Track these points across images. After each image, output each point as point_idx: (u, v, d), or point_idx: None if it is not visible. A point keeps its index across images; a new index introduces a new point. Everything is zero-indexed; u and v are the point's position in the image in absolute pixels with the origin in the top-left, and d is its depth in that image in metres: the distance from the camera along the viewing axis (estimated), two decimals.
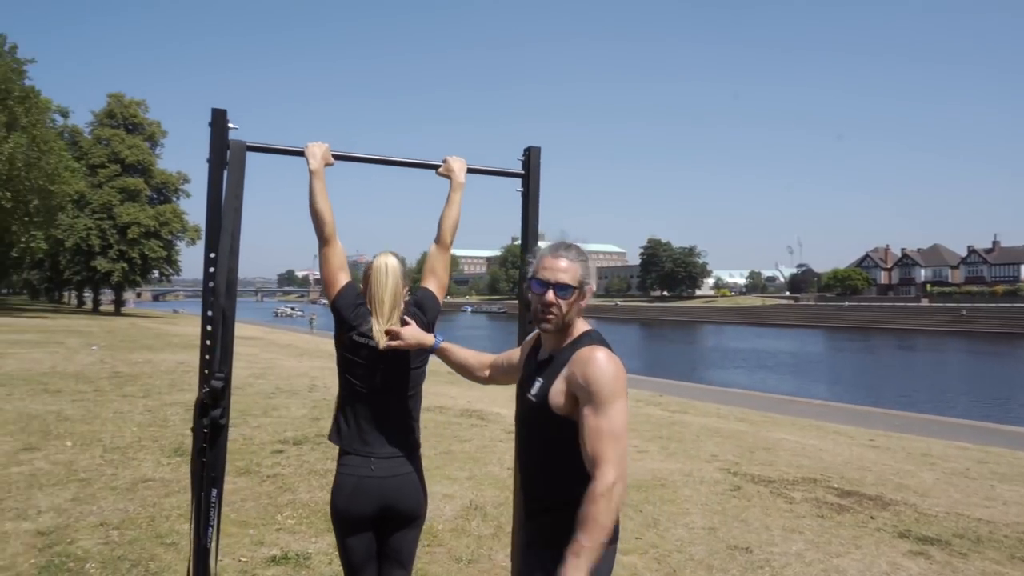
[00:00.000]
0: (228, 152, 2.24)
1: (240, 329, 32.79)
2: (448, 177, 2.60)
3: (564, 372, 1.82)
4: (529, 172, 2.64)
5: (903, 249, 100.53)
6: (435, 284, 2.51)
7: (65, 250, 44.57)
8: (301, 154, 2.39)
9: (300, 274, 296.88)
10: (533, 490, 1.94)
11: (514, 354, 2.22)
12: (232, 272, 2.14)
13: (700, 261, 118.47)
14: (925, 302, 77.42)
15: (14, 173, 29.24)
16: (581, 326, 1.91)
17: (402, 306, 2.37)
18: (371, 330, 2.29)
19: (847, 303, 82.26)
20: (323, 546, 4.08)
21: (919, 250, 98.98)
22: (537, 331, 1.99)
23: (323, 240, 2.36)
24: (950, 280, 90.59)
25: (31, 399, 8.90)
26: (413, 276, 2.48)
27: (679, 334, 61.10)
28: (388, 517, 2.30)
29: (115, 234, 45.03)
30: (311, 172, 2.36)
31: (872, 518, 5.15)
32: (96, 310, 51.78)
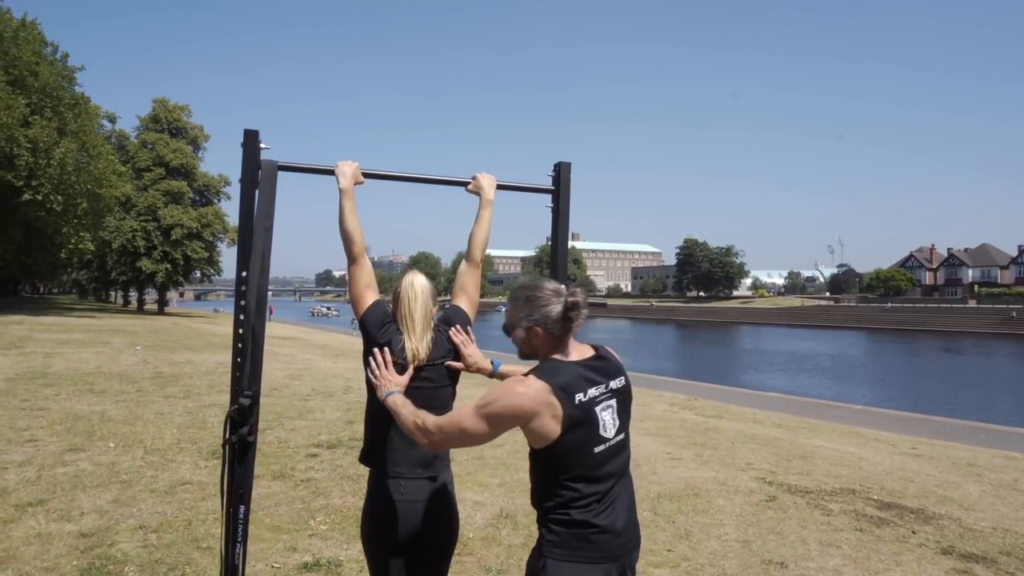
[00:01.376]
0: (259, 172, 2.26)
1: (278, 329, 33.43)
2: (477, 194, 2.59)
3: None
4: (559, 188, 2.62)
5: (949, 249, 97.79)
6: (466, 302, 2.51)
7: (112, 251, 45.98)
8: (331, 173, 2.41)
9: (337, 274, 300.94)
10: None
11: None
12: (262, 290, 2.17)
13: (738, 261, 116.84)
14: (972, 303, 75.14)
15: (64, 177, 30.23)
16: (550, 356, 1.98)
17: (432, 324, 2.38)
18: (401, 349, 2.29)
19: (889, 304, 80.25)
20: (354, 553, 4.12)
21: (966, 250, 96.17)
22: None
23: (351, 258, 2.37)
24: (999, 281, 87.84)
25: (77, 399, 9.17)
26: (441, 288, 2.50)
27: (715, 335, 60.34)
28: (420, 542, 2.30)
29: (159, 235, 46.27)
30: (341, 191, 2.38)
31: (913, 532, 5.00)
32: (141, 309, 53.26)
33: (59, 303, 56.87)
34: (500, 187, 2.60)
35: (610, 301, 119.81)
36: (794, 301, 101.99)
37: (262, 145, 2.29)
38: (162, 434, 7.20)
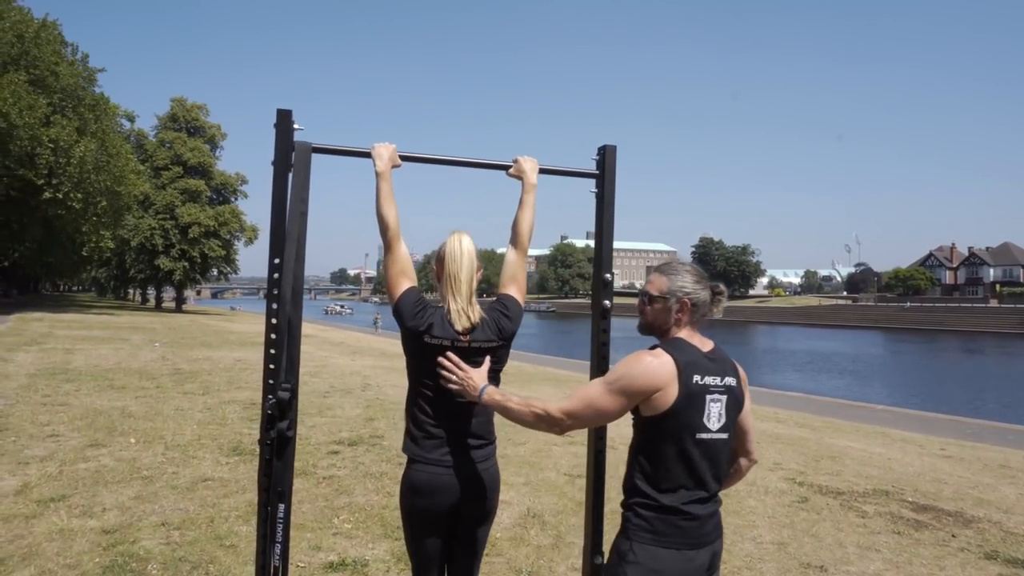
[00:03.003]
0: (293, 154, 2.16)
1: None
2: (519, 179, 2.47)
3: None
4: (604, 172, 2.49)
5: (970, 247, 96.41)
6: (516, 290, 2.39)
7: (130, 249, 46.36)
8: (367, 155, 2.30)
9: (352, 272, 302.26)
10: None
11: None
12: (298, 280, 2.07)
13: (754, 260, 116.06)
14: (994, 303, 74.05)
15: (84, 176, 30.49)
16: (675, 335, 1.99)
17: (476, 288, 2.29)
18: (443, 329, 2.19)
19: (909, 304, 79.26)
20: (380, 553, 4.03)
21: (988, 249, 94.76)
22: None
23: (387, 244, 2.27)
24: (1021, 280, 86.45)
25: (97, 395, 9.17)
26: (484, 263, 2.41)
27: (731, 334, 59.84)
28: (463, 511, 2.23)
29: (177, 234, 46.59)
30: (377, 174, 2.27)
31: (953, 536, 4.84)
32: (159, 307, 53.64)
33: (78, 300, 57.43)
34: (542, 171, 2.48)
35: (621, 300, 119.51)
36: (811, 300, 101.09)
37: (295, 126, 2.19)
38: (182, 430, 7.16)
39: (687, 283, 1.97)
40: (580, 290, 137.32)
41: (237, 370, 12.95)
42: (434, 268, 2.34)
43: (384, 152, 2.31)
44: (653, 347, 1.96)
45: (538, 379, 15.10)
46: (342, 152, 2.32)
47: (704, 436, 1.89)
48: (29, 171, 28.54)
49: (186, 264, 47.64)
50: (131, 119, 46.04)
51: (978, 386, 25.67)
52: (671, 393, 1.85)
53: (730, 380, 1.96)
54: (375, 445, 6.79)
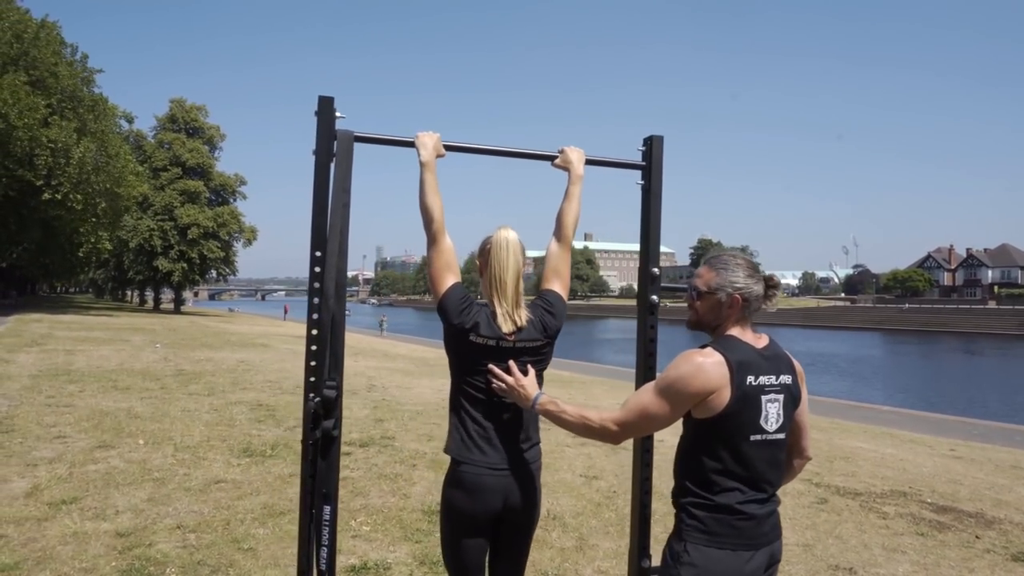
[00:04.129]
0: (335, 143, 2.09)
1: (296, 328, 33.31)
2: (565, 169, 2.40)
3: None
4: (651, 164, 2.43)
5: (968, 249, 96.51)
6: (560, 286, 2.32)
7: (129, 250, 46.21)
8: (411, 145, 2.23)
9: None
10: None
11: None
12: (341, 273, 2.00)
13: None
14: (992, 304, 74.11)
15: (83, 177, 30.36)
16: (727, 332, 1.91)
17: (523, 288, 2.21)
18: (489, 328, 2.11)
19: (907, 305, 79.28)
20: (401, 556, 3.95)
21: (986, 250, 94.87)
22: None
23: (430, 237, 2.19)
24: (1019, 281, 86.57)
25: (102, 396, 9.08)
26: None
27: None
28: (508, 516, 2.15)
29: (176, 235, 46.46)
30: (422, 164, 2.19)
31: (977, 538, 4.78)
32: (157, 308, 53.48)
33: (76, 302, 57.22)
34: (589, 162, 2.41)
35: (623, 302, 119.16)
36: (809, 302, 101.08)
37: (338, 114, 2.11)
38: (190, 432, 7.07)
39: (739, 277, 1.89)
40: (579, 292, 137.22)
41: (241, 371, 12.86)
42: (477, 262, 2.27)
43: (428, 141, 2.23)
44: (703, 346, 1.88)
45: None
46: (385, 141, 2.25)
47: (760, 438, 1.82)
48: (28, 172, 28.41)
49: (185, 265, 47.50)
50: (130, 120, 45.92)
51: (981, 387, 25.65)
52: (724, 395, 1.78)
53: (786, 378, 1.89)
54: (387, 446, 6.71)
